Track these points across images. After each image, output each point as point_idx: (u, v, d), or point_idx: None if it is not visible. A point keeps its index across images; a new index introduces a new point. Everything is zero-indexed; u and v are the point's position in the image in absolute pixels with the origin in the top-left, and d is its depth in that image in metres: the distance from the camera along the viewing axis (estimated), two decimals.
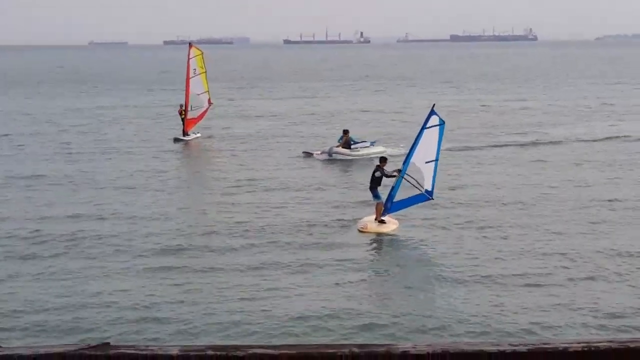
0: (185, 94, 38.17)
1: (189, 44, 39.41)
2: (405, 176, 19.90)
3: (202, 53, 38.49)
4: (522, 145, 35.31)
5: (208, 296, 15.26)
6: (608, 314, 14.04)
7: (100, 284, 16.00)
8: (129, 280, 16.32)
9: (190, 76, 37.98)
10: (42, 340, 12.79)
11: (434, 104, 20.65)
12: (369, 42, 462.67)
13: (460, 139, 36.46)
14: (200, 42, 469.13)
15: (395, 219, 20.67)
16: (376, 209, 20.40)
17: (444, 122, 19.94)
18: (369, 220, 20.24)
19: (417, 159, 19.87)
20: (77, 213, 22.58)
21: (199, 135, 38.10)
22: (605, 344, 1.58)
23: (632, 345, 1.57)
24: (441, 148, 20.24)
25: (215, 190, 26.08)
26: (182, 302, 14.92)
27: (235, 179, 27.68)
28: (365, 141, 32.62)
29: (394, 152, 31.48)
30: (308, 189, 25.44)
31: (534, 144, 35.69)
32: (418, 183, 19.98)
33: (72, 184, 27.21)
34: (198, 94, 38.14)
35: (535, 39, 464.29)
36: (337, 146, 31.90)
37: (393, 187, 20.32)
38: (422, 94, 66.07)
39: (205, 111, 38.69)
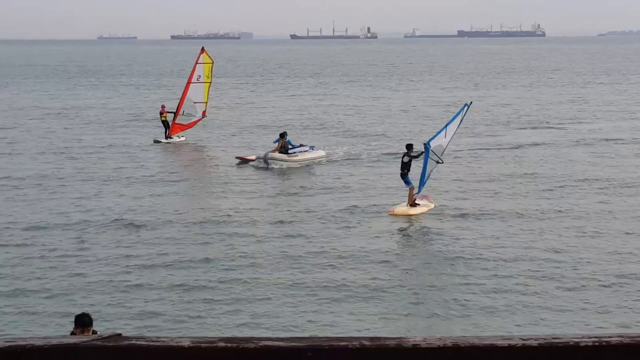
0: (181, 97, 36.09)
1: (202, 48, 37.09)
2: (430, 154, 21.46)
3: (213, 63, 36.65)
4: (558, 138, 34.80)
5: (219, 288, 15.32)
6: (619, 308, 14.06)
7: (112, 278, 16.07)
8: (139, 274, 16.39)
9: (193, 81, 36.07)
10: (54, 332, 12.88)
11: (471, 102, 23.54)
12: (375, 37, 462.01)
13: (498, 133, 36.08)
14: (207, 37, 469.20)
15: (431, 203, 21.89)
16: (408, 194, 21.75)
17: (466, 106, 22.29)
18: (400, 205, 21.68)
19: (443, 140, 21.74)
20: (72, 210, 22.66)
21: (183, 138, 35.74)
22: (616, 338, 1.59)
23: None
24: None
25: (209, 187, 26.10)
26: (191, 295, 14.98)
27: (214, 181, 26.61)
28: (304, 145, 30.17)
29: (338, 156, 30.11)
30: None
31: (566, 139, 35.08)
32: (438, 156, 21.72)
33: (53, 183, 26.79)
34: (195, 102, 35.96)
35: (543, 34, 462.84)
36: (273, 151, 29.11)
37: (423, 169, 21.70)
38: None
39: (197, 121, 36.20)
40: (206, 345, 1.98)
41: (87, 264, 17.07)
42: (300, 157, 29.21)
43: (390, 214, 21.23)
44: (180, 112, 35.69)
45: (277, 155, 28.93)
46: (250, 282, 15.79)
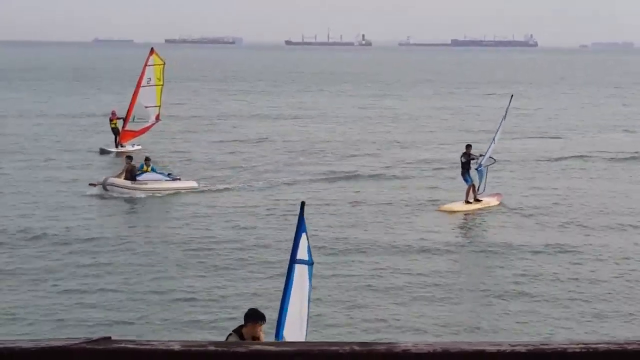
0: (131, 103, 34.01)
1: (151, 49, 35.63)
2: (487, 162, 23.32)
3: (164, 64, 34.75)
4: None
5: (213, 291, 15.30)
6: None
7: (101, 280, 16.02)
8: (129, 276, 16.35)
9: (142, 84, 34.05)
10: (43, 334, 12.84)
11: (512, 95, 26.21)
12: (370, 44, 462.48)
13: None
14: (201, 41, 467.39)
15: (497, 201, 23.06)
16: (466, 191, 23.15)
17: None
18: (455, 202, 23.09)
19: (493, 146, 23.45)
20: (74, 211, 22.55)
21: (139, 147, 33.56)
22: (603, 345, 1.60)
23: (629, 347, 1.60)
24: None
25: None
26: (182, 297, 14.95)
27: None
28: (163, 173, 26.42)
29: (212, 187, 26.25)
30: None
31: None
32: (492, 158, 23.58)
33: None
34: (146, 106, 33.84)
35: (535, 44, 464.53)
36: (117, 176, 25.68)
37: (480, 175, 23.30)
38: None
39: (150, 126, 34.35)
40: (196, 349, 1.98)
41: (71, 270, 17.02)
42: (151, 185, 25.44)
43: (438, 210, 22.38)
44: (130, 118, 33.72)
45: (118, 181, 25.38)
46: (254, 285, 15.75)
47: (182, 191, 25.57)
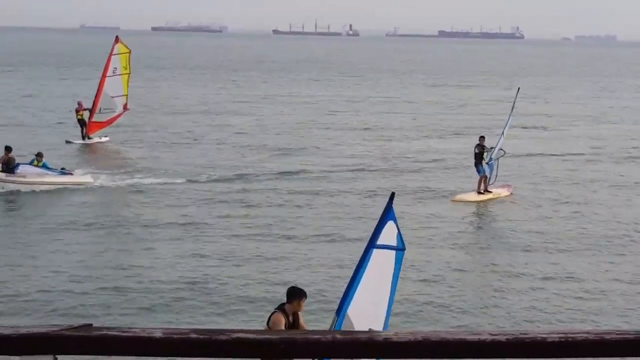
0: (97, 94, 33.17)
1: (116, 37, 34.64)
2: (497, 154, 23.68)
3: (130, 52, 34.01)
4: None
5: (204, 277, 15.32)
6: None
7: (81, 268, 16.00)
8: (109, 262, 16.33)
9: (108, 75, 33.33)
10: (24, 321, 12.80)
11: (519, 88, 26.56)
12: (357, 35, 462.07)
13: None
14: (188, 29, 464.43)
15: (507, 192, 23.45)
16: (478, 182, 23.42)
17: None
18: (468, 193, 23.50)
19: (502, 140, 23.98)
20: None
21: (107, 139, 32.86)
22: (582, 335, 1.62)
23: (607, 337, 1.61)
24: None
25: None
26: (165, 283, 14.95)
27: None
28: (64, 169, 24.58)
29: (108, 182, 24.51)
30: None
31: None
32: (501, 149, 23.90)
33: None
34: (112, 97, 33.01)
35: (522, 37, 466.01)
36: None
37: (490, 169, 23.68)
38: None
39: (118, 116, 33.58)
40: (178, 336, 1.98)
41: (48, 257, 16.97)
42: (30, 179, 23.42)
43: (452, 202, 22.64)
44: (97, 109, 32.84)
45: None
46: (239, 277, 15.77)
47: (73, 186, 23.66)
